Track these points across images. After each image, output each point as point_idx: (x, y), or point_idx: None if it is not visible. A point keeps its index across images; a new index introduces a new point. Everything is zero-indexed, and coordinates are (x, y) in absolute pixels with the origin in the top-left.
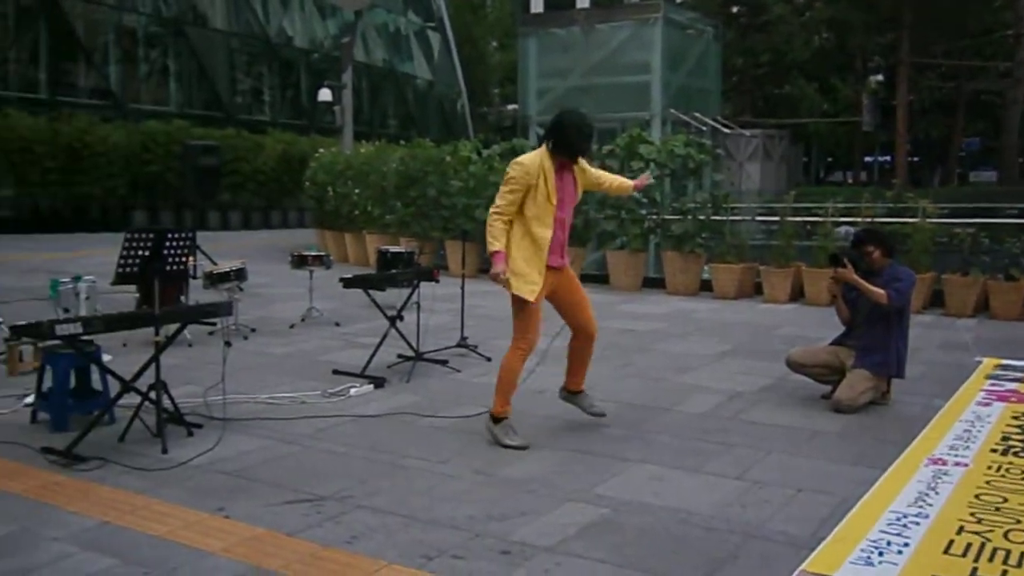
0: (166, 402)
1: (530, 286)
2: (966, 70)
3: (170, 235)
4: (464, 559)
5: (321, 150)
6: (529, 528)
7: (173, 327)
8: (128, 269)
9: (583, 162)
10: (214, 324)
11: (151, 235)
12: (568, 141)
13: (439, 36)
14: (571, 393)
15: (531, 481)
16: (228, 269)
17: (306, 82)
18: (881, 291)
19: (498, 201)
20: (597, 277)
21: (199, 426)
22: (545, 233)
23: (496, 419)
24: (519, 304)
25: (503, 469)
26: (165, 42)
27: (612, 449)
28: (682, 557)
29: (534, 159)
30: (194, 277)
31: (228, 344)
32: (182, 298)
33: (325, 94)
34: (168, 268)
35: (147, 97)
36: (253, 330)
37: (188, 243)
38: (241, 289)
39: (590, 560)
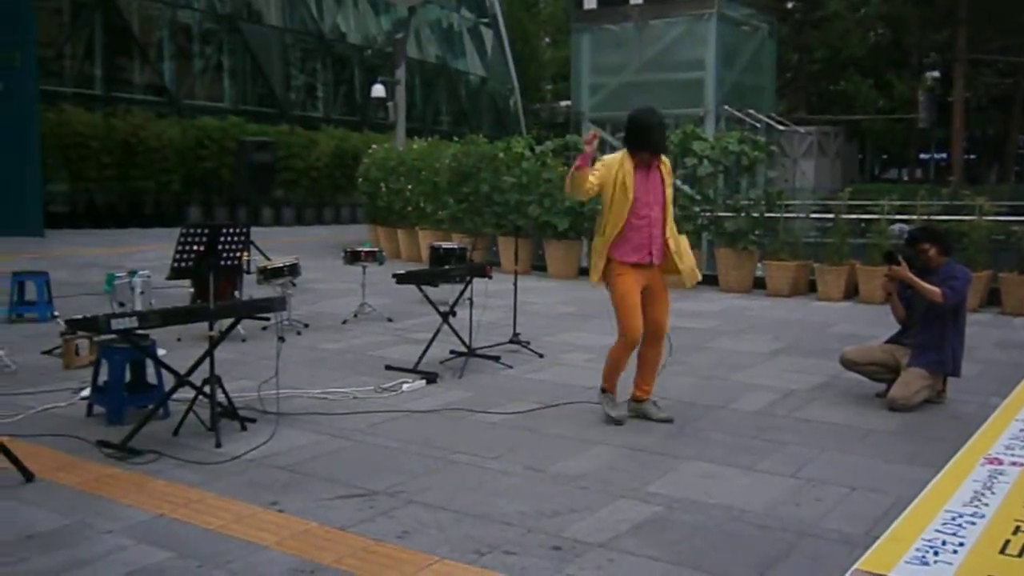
0: (220, 396)
1: (593, 271)
2: (1023, 67)
3: (225, 230)
4: (516, 555)
5: (374, 146)
6: (581, 524)
7: (227, 322)
8: (183, 264)
9: (668, 165)
10: (267, 319)
11: (206, 230)
12: (636, 137)
13: (492, 32)
14: (638, 402)
15: (583, 478)
16: (282, 265)
17: (359, 78)
18: (936, 289)
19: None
20: None
21: (253, 420)
22: (615, 228)
23: (604, 390)
24: (610, 292)
25: (555, 465)
26: (220, 38)
27: (665, 446)
28: (735, 555)
29: (616, 157)
30: (248, 272)
31: (282, 339)
32: (236, 293)
33: (378, 90)
34: (222, 263)
35: (201, 93)
36: (306, 325)
37: (242, 238)
38: (294, 284)
39: (642, 557)
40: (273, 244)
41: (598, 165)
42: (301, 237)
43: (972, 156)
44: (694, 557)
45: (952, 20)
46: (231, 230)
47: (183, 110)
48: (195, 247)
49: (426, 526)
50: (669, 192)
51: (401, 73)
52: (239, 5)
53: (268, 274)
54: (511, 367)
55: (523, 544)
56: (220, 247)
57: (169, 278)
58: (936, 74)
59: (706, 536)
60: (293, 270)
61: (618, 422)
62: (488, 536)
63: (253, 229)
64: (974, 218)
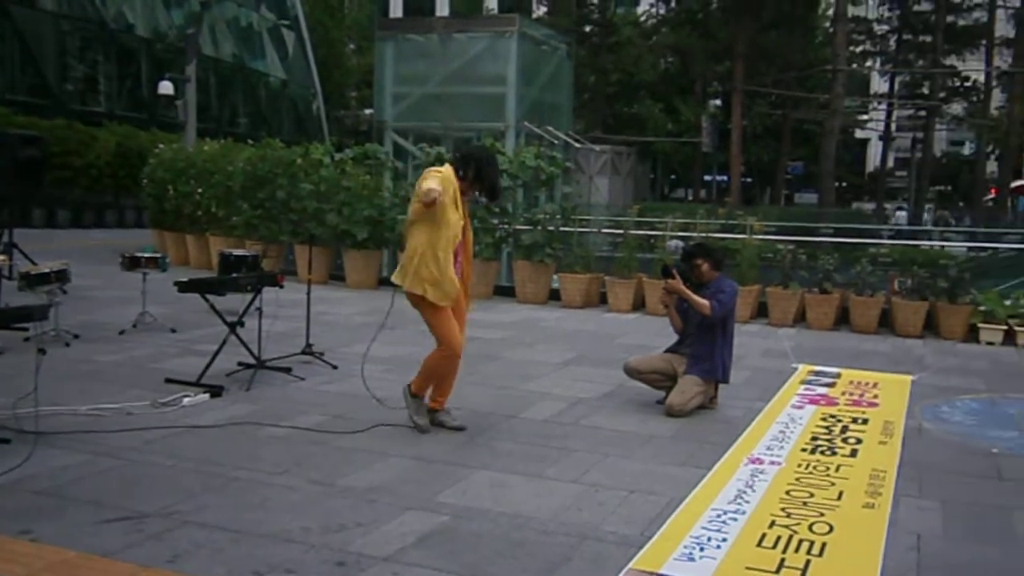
0: None
1: (443, 293)
2: (791, 100)
3: None
4: (296, 573)
5: (161, 146)
6: (367, 538)
7: None
8: None
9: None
10: (27, 329)
11: None
12: (485, 179)
13: (294, 35)
14: (433, 412)
15: (372, 491)
16: (48, 270)
17: (147, 73)
18: (706, 302)
19: (425, 185)
20: None
21: (6, 441)
22: (451, 244)
23: (414, 394)
24: (425, 310)
25: (343, 479)
26: None
27: (455, 456)
28: (519, 562)
29: (450, 175)
30: (8, 278)
31: (43, 351)
32: None
33: (166, 87)
34: None
35: None
36: (76, 336)
37: None
38: (64, 292)
39: (428, 569)
40: (45, 248)
41: (438, 182)
42: (78, 241)
43: (749, 179)
44: (478, 566)
45: (732, 53)
46: None
47: None
48: None
49: (200, 547)
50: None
51: (192, 70)
52: None
53: (32, 280)
54: (303, 379)
55: (305, 562)
56: None
57: None
58: (718, 102)
59: (491, 544)
60: (62, 276)
61: (423, 430)
62: (269, 555)
63: (20, 231)
64: (745, 237)
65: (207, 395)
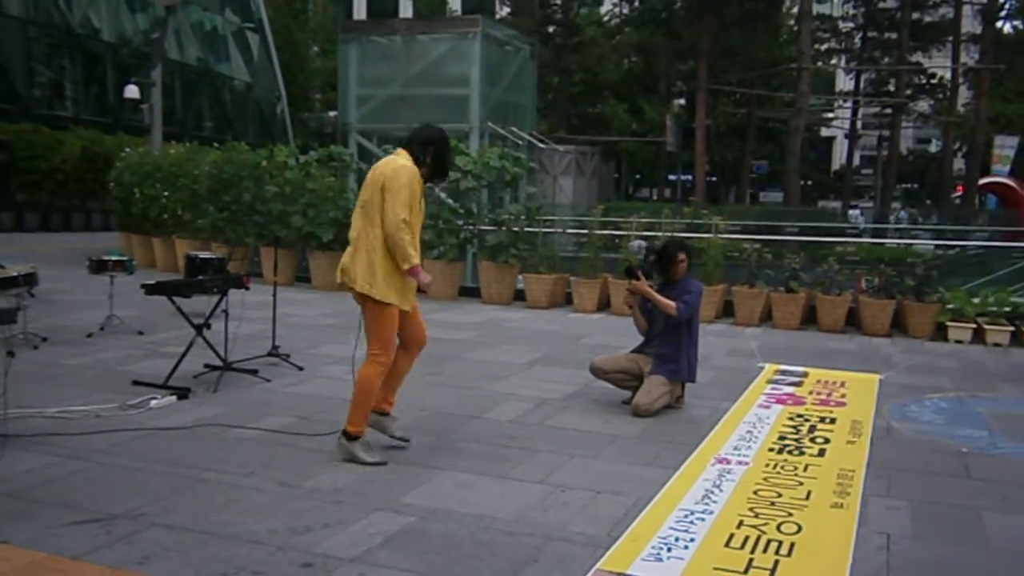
0: None
1: (397, 292)
2: (756, 98)
3: None
4: (264, 574)
5: (128, 149)
6: (334, 540)
7: None
8: None
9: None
10: None
11: None
12: (444, 160)
13: (258, 38)
14: (381, 415)
15: (339, 492)
16: (16, 273)
17: (113, 78)
18: (671, 303)
19: (400, 212)
20: None
21: None
22: (416, 241)
23: (351, 436)
24: (378, 312)
25: (310, 480)
26: None
27: (421, 458)
28: (484, 562)
29: (412, 169)
30: None
31: (11, 354)
32: None
33: (132, 91)
34: None
35: None
36: (44, 339)
37: None
38: (32, 295)
39: (394, 570)
40: (11, 251)
41: (406, 177)
42: (46, 244)
43: (714, 178)
44: (444, 567)
45: (695, 52)
46: None
47: None
48: None
49: (168, 550)
50: (425, 208)
51: (157, 74)
52: None
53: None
54: (269, 380)
55: (272, 563)
56: None
57: None
58: (682, 102)
59: (458, 545)
60: (29, 279)
61: (382, 463)
62: (236, 557)
63: None
64: (711, 236)
65: (174, 397)
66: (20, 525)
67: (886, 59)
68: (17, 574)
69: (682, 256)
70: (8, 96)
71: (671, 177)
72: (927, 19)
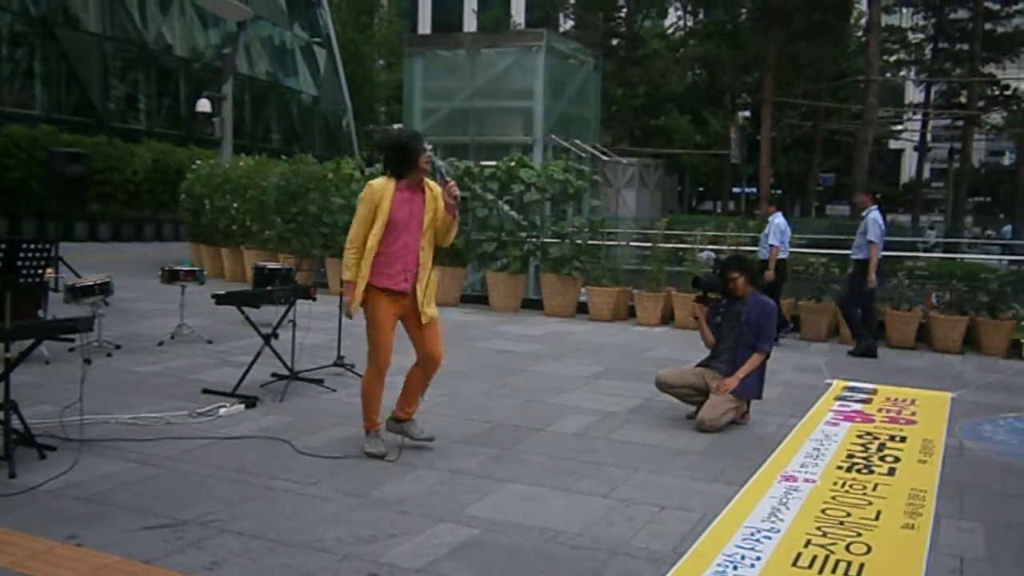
0: (16, 422)
1: (353, 301)
2: (823, 111)
3: (25, 245)
4: None
5: (198, 162)
6: (399, 550)
7: (27, 343)
8: None
9: (436, 190)
10: (72, 340)
11: (3, 245)
12: (396, 159)
13: (325, 52)
14: (399, 421)
15: (404, 502)
16: (92, 283)
17: (185, 91)
18: (758, 357)
19: (352, 230)
20: (477, 298)
21: (53, 448)
22: (371, 252)
23: (367, 430)
24: (366, 318)
25: (375, 490)
26: (32, 42)
27: (485, 469)
28: (549, 575)
29: (382, 182)
30: (55, 290)
31: (87, 361)
32: (40, 312)
33: (204, 105)
34: (22, 280)
35: (9, 99)
36: (118, 347)
37: (46, 254)
38: (106, 304)
39: None
40: (87, 261)
41: (364, 192)
42: (119, 254)
43: (779, 191)
44: None
45: (761, 64)
46: (33, 245)
47: None
48: None
49: (238, 556)
50: (428, 217)
51: (228, 88)
52: (54, 8)
53: (77, 292)
54: (334, 390)
55: (339, 571)
56: (20, 263)
57: None
58: (747, 114)
59: (522, 557)
60: (104, 288)
61: (380, 455)
62: (303, 564)
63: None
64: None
65: (242, 406)
66: (95, 528)
67: (957, 70)
68: (92, 575)
69: (735, 274)
70: (85, 110)
71: (735, 190)
72: (1000, 30)
